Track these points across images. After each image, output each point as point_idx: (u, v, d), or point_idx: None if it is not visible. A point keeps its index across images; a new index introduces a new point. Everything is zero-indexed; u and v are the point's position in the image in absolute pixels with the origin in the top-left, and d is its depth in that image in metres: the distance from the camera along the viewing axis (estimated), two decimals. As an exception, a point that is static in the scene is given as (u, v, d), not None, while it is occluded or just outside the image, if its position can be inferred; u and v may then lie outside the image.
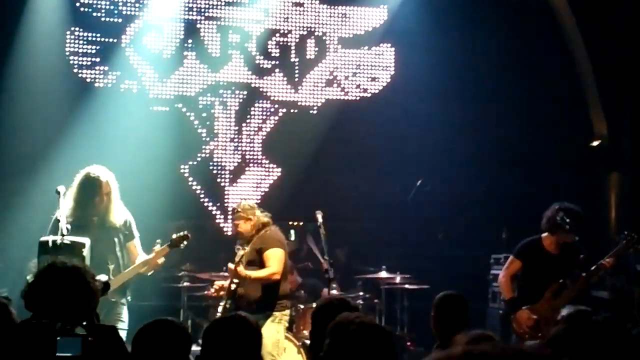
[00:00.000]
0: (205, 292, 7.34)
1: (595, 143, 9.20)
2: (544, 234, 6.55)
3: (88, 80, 8.75)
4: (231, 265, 6.31)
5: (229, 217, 8.97)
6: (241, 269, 6.16)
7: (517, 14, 9.29)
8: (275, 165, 9.23)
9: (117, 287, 5.90)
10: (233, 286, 6.25)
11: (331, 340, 2.93)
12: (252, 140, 9.23)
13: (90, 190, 5.94)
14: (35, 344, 3.54)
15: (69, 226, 5.52)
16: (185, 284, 7.53)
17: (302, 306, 7.47)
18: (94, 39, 8.79)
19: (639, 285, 7.56)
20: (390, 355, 2.90)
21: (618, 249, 6.51)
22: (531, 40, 9.35)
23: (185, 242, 6.34)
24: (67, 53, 8.73)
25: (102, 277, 5.46)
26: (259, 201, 9.05)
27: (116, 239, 6.02)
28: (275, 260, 6.29)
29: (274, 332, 6.25)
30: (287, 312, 6.53)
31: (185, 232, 6.32)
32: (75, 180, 6.02)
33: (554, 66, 9.34)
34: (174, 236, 6.29)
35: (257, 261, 6.35)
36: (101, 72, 8.78)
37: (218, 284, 6.59)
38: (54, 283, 3.64)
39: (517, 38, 9.32)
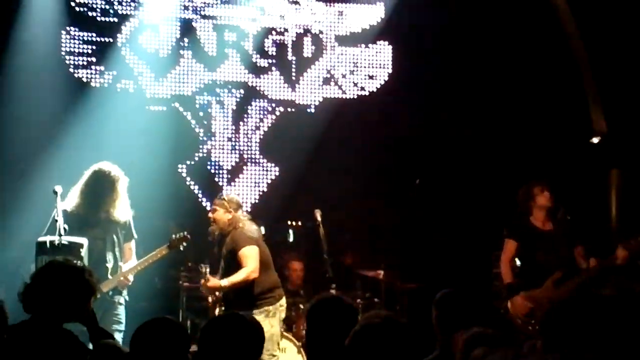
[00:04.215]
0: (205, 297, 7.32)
1: (595, 140, 9.16)
2: (531, 216, 6.64)
3: (84, 80, 8.71)
4: (202, 281, 6.38)
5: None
6: (213, 282, 6.30)
7: (516, 11, 9.24)
8: (273, 164, 9.19)
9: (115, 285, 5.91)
10: (212, 298, 6.44)
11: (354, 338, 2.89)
12: (249, 139, 9.19)
13: (105, 187, 5.96)
14: (33, 346, 3.51)
15: (66, 226, 5.49)
16: (184, 283, 7.47)
17: (302, 306, 7.43)
18: (89, 38, 8.75)
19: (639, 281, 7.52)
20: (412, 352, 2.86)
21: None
22: (530, 37, 9.30)
23: (184, 244, 6.31)
24: (63, 53, 8.68)
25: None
26: (257, 201, 9.04)
27: (116, 237, 6.00)
28: (248, 259, 6.32)
29: (268, 326, 6.20)
30: (282, 301, 6.52)
31: (185, 234, 6.29)
32: (85, 176, 6.01)
33: (553, 62, 9.30)
34: (173, 237, 6.26)
35: (233, 263, 6.37)
36: (97, 72, 8.74)
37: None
38: (52, 281, 3.63)
39: (516, 35, 9.27)
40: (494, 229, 7.94)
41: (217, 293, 6.49)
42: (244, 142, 9.18)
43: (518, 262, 6.96)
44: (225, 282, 6.29)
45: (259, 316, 6.14)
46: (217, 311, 6.46)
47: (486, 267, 8.44)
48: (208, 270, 6.46)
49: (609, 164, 9.13)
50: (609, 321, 2.63)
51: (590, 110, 9.27)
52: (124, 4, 8.81)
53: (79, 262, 4.59)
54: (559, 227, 6.62)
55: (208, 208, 8.88)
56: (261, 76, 9.20)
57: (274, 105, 9.25)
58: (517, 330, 6.30)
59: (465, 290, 4.67)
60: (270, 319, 6.30)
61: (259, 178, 9.16)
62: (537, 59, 9.33)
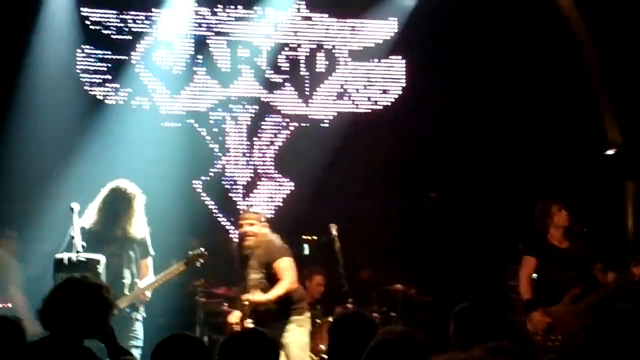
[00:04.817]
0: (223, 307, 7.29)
1: (610, 152, 9.13)
2: (548, 234, 6.61)
3: (99, 97, 8.78)
4: (248, 297, 6.24)
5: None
6: (259, 297, 6.16)
7: (529, 24, 9.25)
8: (287, 179, 9.21)
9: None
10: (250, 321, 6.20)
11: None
12: (264, 155, 9.23)
13: (122, 204, 5.98)
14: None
15: (84, 243, 5.50)
16: (201, 299, 7.47)
17: (318, 320, 7.42)
18: (104, 56, 8.82)
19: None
20: None
21: None
22: (544, 50, 9.29)
23: (201, 261, 6.29)
24: (78, 71, 8.76)
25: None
26: (272, 216, 9.04)
27: (132, 254, 6.01)
28: (287, 270, 6.29)
29: (300, 335, 6.23)
30: (309, 314, 6.50)
31: (202, 250, 6.26)
32: (102, 193, 6.03)
33: (567, 74, 9.28)
34: (190, 254, 6.24)
35: (267, 274, 6.31)
36: (112, 90, 8.80)
37: (233, 319, 6.47)
38: (70, 297, 3.64)
39: (530, 47, 9.27)
40: (509, 242, 7.93)
41: (246, 303, 6.29)
42: (258, 157, 9.21)
43: (535, 276, 6.93)
44: (270, 296, 6.18)
45: (290, 325, 6.17)
46: (246, 322, 6.39)
47: (501, 280, 8.41)
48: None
49: (624, 175, 9.10)
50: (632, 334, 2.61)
51: (604, 122, 9.25)
52: (138, 22, 8.89)
53: (96, 278, 4.60)
54: (577, 244, 6.58)
55: (223, 223, 8.92)
56: (275, 92, 9.24)
57: (287, 120, 9.28)
58: (536, 346, 6.27)
59: (483, 303, 4.64)
60: (302, 329, 6.32)
61: (274, 193, 9.19)
62: (551, 71, 9.32)
